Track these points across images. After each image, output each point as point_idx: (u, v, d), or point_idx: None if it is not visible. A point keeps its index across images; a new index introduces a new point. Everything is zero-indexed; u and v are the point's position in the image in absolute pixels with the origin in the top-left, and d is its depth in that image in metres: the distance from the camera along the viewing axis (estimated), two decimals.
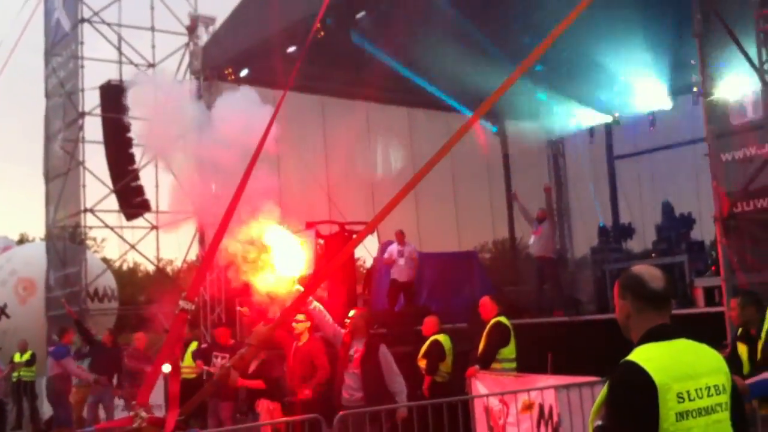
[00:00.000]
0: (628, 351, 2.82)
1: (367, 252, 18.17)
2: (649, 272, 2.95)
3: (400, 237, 14.46)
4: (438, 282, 15.11)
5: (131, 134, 16.28)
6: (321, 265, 7.65)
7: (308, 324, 8.35)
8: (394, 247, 14.49)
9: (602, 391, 2.81)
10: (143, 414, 5.84)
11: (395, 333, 12.19)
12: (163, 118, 7.12)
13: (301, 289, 6.79)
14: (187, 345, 11.62)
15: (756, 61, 9.24)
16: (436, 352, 9.84)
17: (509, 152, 20.33)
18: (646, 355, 2.75)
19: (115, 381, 12.37)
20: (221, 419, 10.07)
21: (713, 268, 11.51)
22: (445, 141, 5.91)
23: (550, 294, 13.80)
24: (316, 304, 7.48)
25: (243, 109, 7.08)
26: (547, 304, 13.55)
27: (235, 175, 6.39)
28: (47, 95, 18.93)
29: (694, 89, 15.78)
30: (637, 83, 17.17)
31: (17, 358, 15.28)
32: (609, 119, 19.12)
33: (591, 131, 19.67)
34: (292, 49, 14.05)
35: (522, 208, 15.18)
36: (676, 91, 17.16)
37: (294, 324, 8.30)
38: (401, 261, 14.29)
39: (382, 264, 15.15)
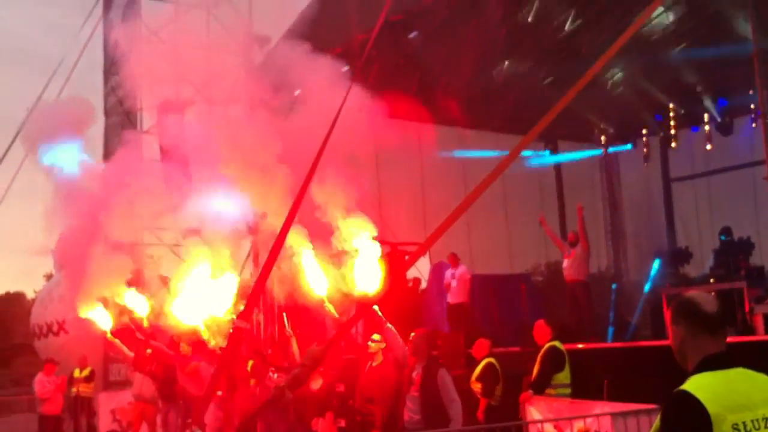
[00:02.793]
0: (686, 378, 2.76)
1: (419, 273, 18.16)
2: (702, 296, 2.88)
3: (453, 259, 14.45)
4: (489, 305, 15.01)
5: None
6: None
7: (383, 345, 8.33)
8: (449, 271, 14.49)
9: (656, 421, 2.75)
10: None
11: (446, 355, 12.13)
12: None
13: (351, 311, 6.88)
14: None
15: None
16: (491, 374, 9.72)
17: (562, 173, 20.19)
18: (699, 384, 2.67)
19: None
20: None
21: None
22: (496, 162, 5.93)
23: (584, 319, 13.43)
24: (389, 325, 7.52)
25: None
26: (581, 329, 13.20)
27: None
28: (106, 113, 19.39)
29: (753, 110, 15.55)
30: (693, 106, 16.97)
31: (77, 373, 15.57)
32: (664, 139, 18.91)
33: (646, 153, 19.45)
34: (344, 68, 14.23)
35: (551, 233, 14.94)
36: (733, 113, 16.91)
37: (369, 344, 8.33)
38: (453, 283, 14.28)
39: (436, 286, 15.12)
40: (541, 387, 8.78)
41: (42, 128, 11.98)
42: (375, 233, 7.85)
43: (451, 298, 14.29)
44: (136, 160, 12.57)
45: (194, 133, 9.70)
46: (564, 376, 8.89)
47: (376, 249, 7.86)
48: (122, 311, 11.40)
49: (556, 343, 8.99)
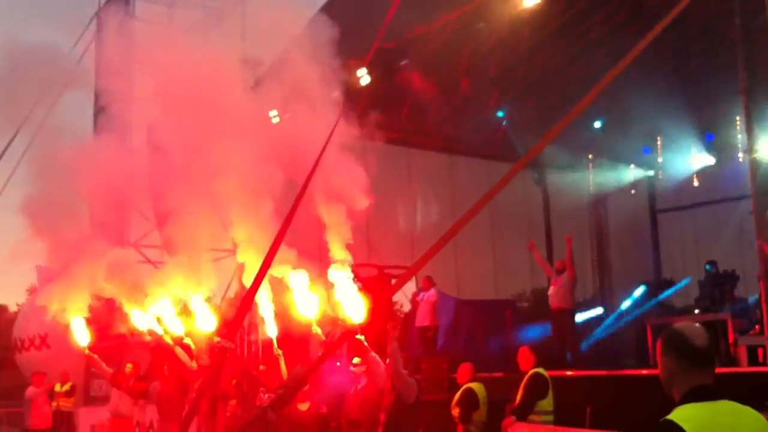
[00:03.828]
0: (670, 407, 2.77)
1: (404, 296, 18.17)
2: (693, 329, 2.88)
3: (426, 283, 14.49)
4: (474, 330, 15.01)
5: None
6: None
7: (364, 368, 8.29)
8: (421, 294, 14.58)
9: None
10: None
11: (429, 380, 12.10)
12: None
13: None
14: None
15: None
16: (468, 400, 9.66)
17: (550, 202, 20.26)
18: (685, 415, 2.68)
19: None
20: None
21: (757, 327, 11.28)
22: (485, 189, 5.94)
23: (567, 347, 13.40)
24: (373, 354, 7.50)
25: None
26: (564, 357, 13.17)
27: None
28: (96, 131, 19.35)
29: (739, 146, 15.72)
30: (680, 139, 17.14)
31: (57, 388, 15.45)
32: (651, 173, 19.07)
33: (633, 184, 19.59)
34: (335, 94, 14.33)
35: (540, 259, 14.98)
36: (720, 148, 17.10)
37: (352, 368, 8.31)
38: (421, 305, 14.35)
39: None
40: (523, 413, 8.77)
41: (19, 65, 10.88)
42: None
43: (418, 321, 14.33)
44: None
45: (182, 149, 9.66)
46: (547, 403, 8.89)
47: (358, 276, 7.87)
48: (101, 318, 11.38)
49: (540, 370, 9.00)
